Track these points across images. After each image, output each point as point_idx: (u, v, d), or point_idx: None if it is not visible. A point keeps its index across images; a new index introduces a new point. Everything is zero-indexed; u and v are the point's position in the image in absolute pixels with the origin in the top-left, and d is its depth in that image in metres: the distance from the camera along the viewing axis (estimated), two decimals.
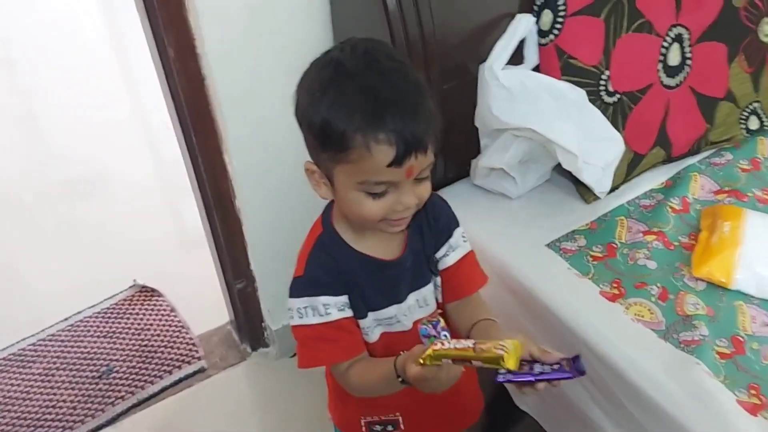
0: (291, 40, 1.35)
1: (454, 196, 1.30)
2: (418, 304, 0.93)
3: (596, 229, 1.21)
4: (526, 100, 1.15)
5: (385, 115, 0.74)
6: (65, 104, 2.90)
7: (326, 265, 0.87)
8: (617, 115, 1.26)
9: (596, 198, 1.25)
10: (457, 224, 0.96)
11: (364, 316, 0.90)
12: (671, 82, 1.31)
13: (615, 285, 1.09)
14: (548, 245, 1.18)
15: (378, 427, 1.04)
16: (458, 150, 1.32)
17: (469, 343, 0.72)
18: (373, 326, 0.91)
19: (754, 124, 1.40)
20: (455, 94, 1.25)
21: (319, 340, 0.87)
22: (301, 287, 0.87)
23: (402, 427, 1.04)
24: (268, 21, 1.32)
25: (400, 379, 0.80)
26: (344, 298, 0.87)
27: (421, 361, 0.72)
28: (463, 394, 1.08)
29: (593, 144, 1.17)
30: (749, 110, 1.40)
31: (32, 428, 1.69)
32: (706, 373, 0.93)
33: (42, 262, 2.23)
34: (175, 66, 1.34)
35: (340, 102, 0.75)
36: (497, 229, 1.22)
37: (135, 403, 1.75)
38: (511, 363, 0.68)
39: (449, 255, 0.94)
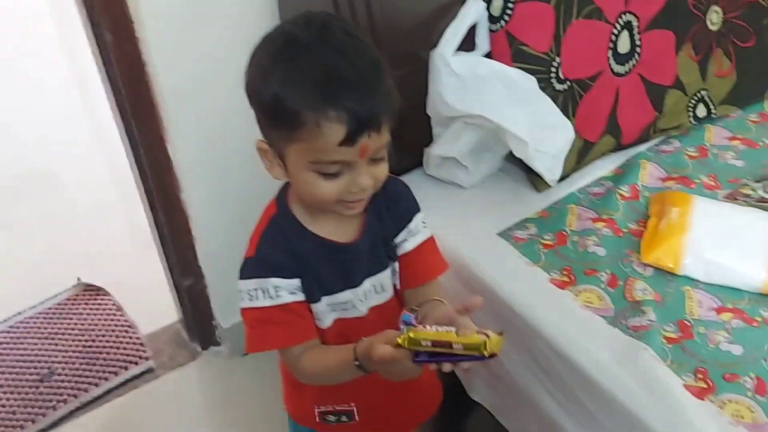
0: (236, 25, 1.30)
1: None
2: (375, 290, 0.91)
3: (547, 217, 1.20)
4: (477, 87, 1.13)
5: (336, 92, 0.71)
6: (10, 98, 2.77)
7: (279, 246, 0.84)
8: (567, 102, 1.25)
9: (547, 186, 1.24)
10: (417, 210, 0.94)
11: (317, 300, 0.86)
12: (621, 69, 1.31)
13: (565, 272, 1.08)
14: (500, 234, 1.16)
15: (332, 417, 1.01)
16: (411, 139, 1.29)
17: (450, 328, 0.70)
18: (326, 311, 0.88)
19: (701, 111, 1.42)
20: (406, 81, 1.21)
21: (269, 323, 0.83)
22: (251, 268, 0.83)
23: (357, 418, 1.01)
24: (211, 4, 1.27)
25: (357, 363, 0.78)
26: (296, 282, 0.84)
27: (400, 341, 0.70)
28: (422, 386, 1.06)
29: (544, 132, 1.16)
30: (697, 98, 1.41)
31: None
32: (653, 357, 0.92)
33: None
34: (113, 51, 1.27)
35: (291, 77, 0.72)
36: (449, 219, 1.20)
37: (78, 406, 1.67)
38: (494, 348, 0.67)
39: (408, 240, 0.92)
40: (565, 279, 1.07)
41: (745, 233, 1.06)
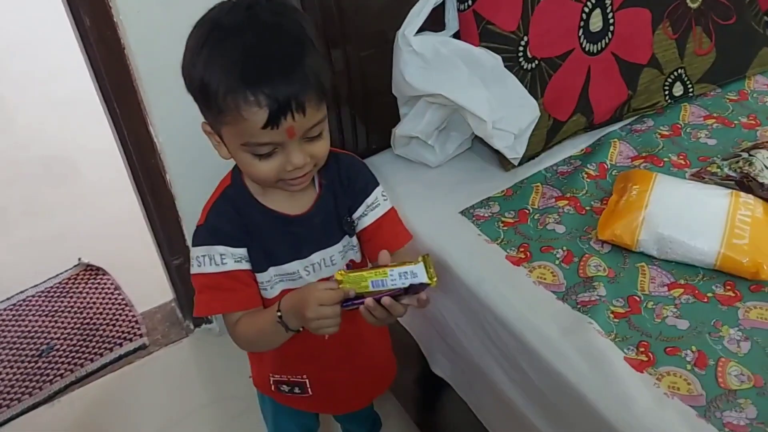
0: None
1: (375, 166, 1.30)
2: (324, 263, 0.93)
3: (511, 195, 1.21)
4: (438, 67, 1.14)
5: (254, 75, 0.72)
6: (29, 83, 2.87)
7: (227, 215, 0.87)
8: (536, 81, 1.25)
9: (514, 165, 1.25)
10: (375, 184, 0.95)
11: (265, 270, 0.89)
12: (593, 48, 1.31)
13: (522, 249, 1.09)
14: (462, 212, 1.18)
15: (285, 387, 1.05)
16: (380, 119, 1.31)
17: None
18: (274, 281, 0.91)
19: (678, 90, 1.40)
20: (373, 62, 1.24)
21: (215, 289, 0.87)
22: (200, 236, 0.87)
23: (309, 390, 1.04)
24: None
25: (279, 315, 0.81)
26: (242, 251, 0.87)
27: (339, 277, 0.76)
28: (374, 359, 1.09)
29: (507, 110, 1.17)
30: (674, 77, 1.40)
31: None
32: (597, 331, 0.93)
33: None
34: (92, 35, 1.31)
35: (213, 62, 0.74)
36: (413, 198, 1.22)
37: (74, 380, 1.74)
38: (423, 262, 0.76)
39: (367, 215, 0.94)
40: (522, 256, 1.08)
41: (702, 210, 1.05)
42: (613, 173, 1.24)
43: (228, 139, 0.79)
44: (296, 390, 1.03)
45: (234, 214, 0.87)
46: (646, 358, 0.90)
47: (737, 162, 1.15)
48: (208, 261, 0.86)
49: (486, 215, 1.16)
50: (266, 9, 0.76)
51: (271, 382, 1.04)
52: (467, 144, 1.31)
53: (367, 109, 1.28)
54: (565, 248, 1.08)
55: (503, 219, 1.15)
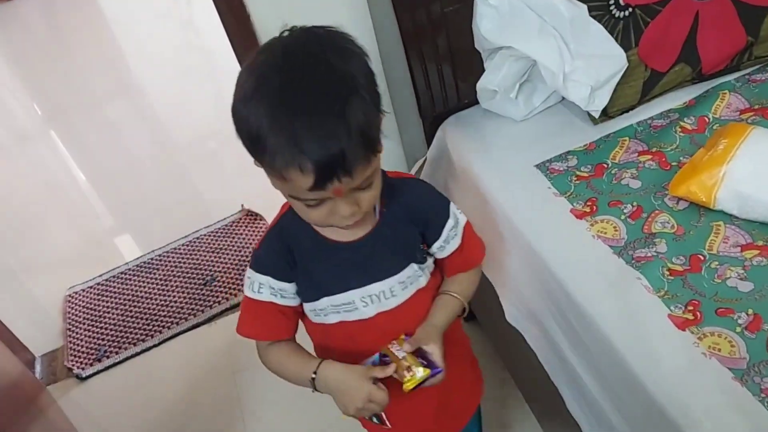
0: None
1: (464, 120, 1.35)
2: (384, 295, 0.88)
3: (593, 149, 1.19)
4: (511, 20, 1.15)
5: (302, 142, 0.68)
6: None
7: (275, 250, 0.86)
8: (629, 30, 1.19)
9: (605, 118, 1.22)
10: (447, 203, 0.91)
11: (316, 299, 0.89)
12: None
13: (589, 203, 1.08)
14: (537, 165, 1.18)
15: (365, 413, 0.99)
16: (470, 74, 1.34)
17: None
18: (328, 311, 0.89)
19: None
20: (459, 17, 1.27)
21: (248, 312, 0.90)
22: (252, 260, 0.89)
23: (388, 424, 0.92)
24: None
25: (313, 380, 0.86)
26: (285, 285, 0.87)
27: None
28: (451, 386, 0.96)
29: (585, 61, 1.14)
30: None
31: (149, 321, 2.08)
32: (644, 287, 0.91)
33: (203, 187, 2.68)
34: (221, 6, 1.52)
35: (261, 118, 0.69)
36: (492, 152, 1.24)
37: (228, 307, 2.06)
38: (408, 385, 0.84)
39: (446, 247, 0.91)
40: (587, 209, 1.07)
41: None
42: (714, 127, 1.15)
43: (277, 186, 0.77)
44: (374, 420, 0.92)
45: (282, 247, 0.86)
46: (692, 317, 0.87)
47: None
48: (248, 284, 0.88)
49: (561, 169, 1.16)
50: (318, 57, 0.70)
51: None
52: (557, 97, 1.29)
53: (455, 64, 1.32)
54: (635, 203, 1.05)
55: (578, 173, 1.14)
